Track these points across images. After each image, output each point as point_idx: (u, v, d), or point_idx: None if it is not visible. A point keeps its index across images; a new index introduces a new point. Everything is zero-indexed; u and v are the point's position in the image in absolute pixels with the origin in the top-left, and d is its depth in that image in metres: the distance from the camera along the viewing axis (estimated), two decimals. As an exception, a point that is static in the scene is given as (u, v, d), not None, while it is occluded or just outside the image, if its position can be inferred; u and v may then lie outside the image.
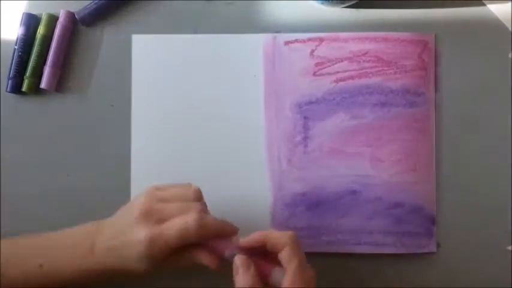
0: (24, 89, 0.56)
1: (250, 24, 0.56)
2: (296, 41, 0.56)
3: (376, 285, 0.55)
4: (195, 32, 0.56)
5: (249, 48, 0.56)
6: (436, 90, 0.56)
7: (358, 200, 0.55)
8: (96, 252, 0.48)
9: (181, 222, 0.46)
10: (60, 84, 0.56)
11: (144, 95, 0.56)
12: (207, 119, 0.56)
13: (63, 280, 0.49)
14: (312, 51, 0.56)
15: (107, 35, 0.57)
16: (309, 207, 0.56)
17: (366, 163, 0.55)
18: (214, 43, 0.56)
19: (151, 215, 0.47)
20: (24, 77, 0.56)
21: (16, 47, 0.56)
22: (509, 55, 0.56)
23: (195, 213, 0.46)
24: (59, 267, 0.49)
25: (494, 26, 0.56)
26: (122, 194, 0.56)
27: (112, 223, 0.49)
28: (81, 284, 0.50)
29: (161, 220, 0.46)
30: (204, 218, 0.46)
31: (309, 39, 0.56)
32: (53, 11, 0.56)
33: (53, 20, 0.56)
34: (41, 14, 0.56)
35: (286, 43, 0.56)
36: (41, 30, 0.56)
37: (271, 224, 0.55)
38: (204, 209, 0.48)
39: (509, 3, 0.56)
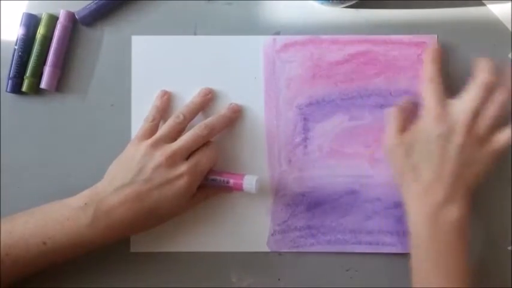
0: (24, 89, 0.56)
1: (250, 24, 0.56)
2: (296, 43, 0.56)
3: (376, 285, 0.55)
4: (195, 31, 0.56)
5: (249, 50, 0.56)
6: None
7: (357, 200, 0.55)
8: (98, 217, 0.49)
9: (206, 149, 0.52)
10: (60, 84, 0.56)
11: (144, 95, 0.56)
12: (207, 120, 0.56)
13: (67, 253, 0.50)
14: (312, 53, 0.56)
15: (107, 35, 0.57)
16: (309, 207, 0.56)
17: (365, 164, 0.55)
18: (214, 44, 0.56)
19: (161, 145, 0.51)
20: (24, 77, 0.56)
21: (16, 47, 0.56)
22: (509, 55, 0.56)
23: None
24: (63, 241, 0.49)
25: (494, 26, 0.56)
26: (122, 194, 0.55)
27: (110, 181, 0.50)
28: (86, 254, 0.51)
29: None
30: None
31: (309, 42, 0.56)
32: (53, 11, 0.56)
33: (53, 20, 0.56)
34: (41, 14, 0.56)
35: (286, 45, 0.56)
36: (41, 30, 0.56)
37: (271, 224, 0.55)
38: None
39: (509, 3, 0.56)
